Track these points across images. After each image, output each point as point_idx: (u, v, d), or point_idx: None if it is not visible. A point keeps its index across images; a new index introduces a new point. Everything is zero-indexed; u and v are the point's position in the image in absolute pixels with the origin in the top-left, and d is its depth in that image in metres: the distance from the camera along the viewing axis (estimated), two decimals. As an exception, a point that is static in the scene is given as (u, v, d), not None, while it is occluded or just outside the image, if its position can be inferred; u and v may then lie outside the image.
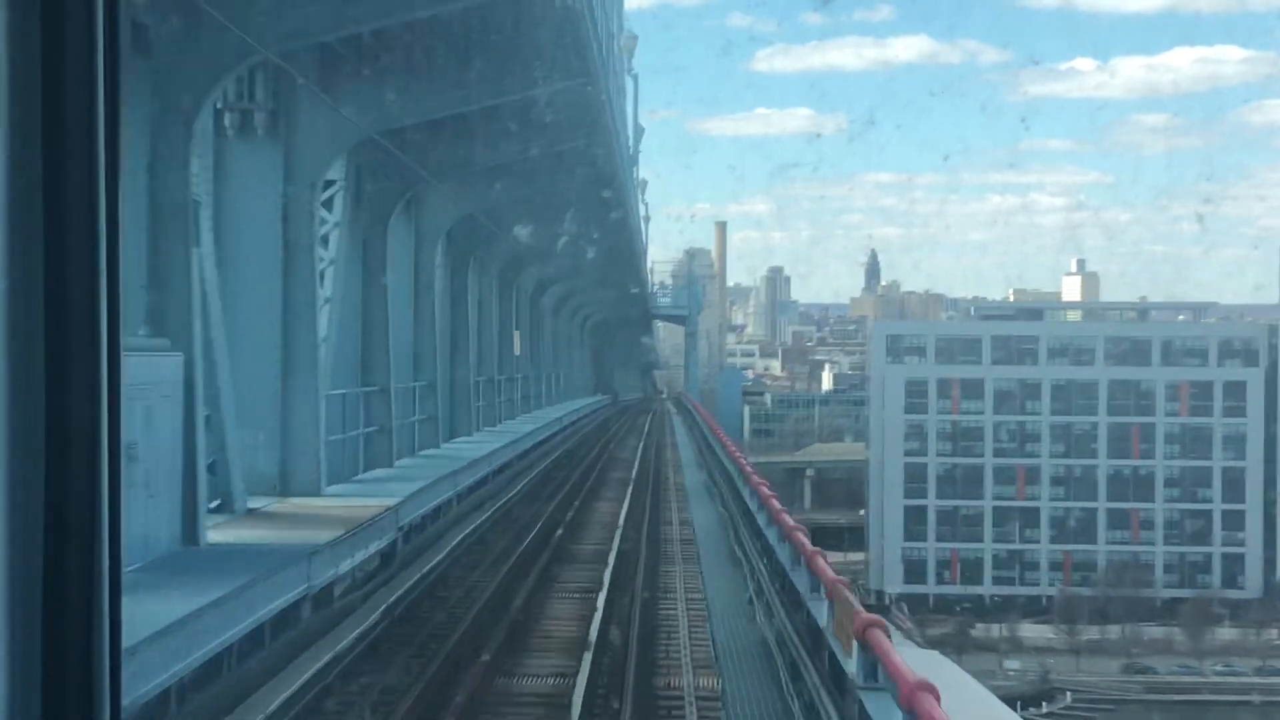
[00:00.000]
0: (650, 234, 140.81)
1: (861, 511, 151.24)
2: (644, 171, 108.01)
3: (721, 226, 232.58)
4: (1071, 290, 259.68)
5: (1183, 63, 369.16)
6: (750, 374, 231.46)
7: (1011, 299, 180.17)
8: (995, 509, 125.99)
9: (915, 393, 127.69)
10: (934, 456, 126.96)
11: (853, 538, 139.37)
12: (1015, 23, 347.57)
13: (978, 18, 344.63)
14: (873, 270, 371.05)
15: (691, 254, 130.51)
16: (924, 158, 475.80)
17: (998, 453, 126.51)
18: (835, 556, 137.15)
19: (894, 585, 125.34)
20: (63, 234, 1.90)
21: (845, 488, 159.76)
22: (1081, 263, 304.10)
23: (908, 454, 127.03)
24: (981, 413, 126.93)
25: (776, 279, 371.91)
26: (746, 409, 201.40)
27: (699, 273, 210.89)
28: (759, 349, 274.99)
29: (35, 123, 1.88)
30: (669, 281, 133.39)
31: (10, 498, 1.86)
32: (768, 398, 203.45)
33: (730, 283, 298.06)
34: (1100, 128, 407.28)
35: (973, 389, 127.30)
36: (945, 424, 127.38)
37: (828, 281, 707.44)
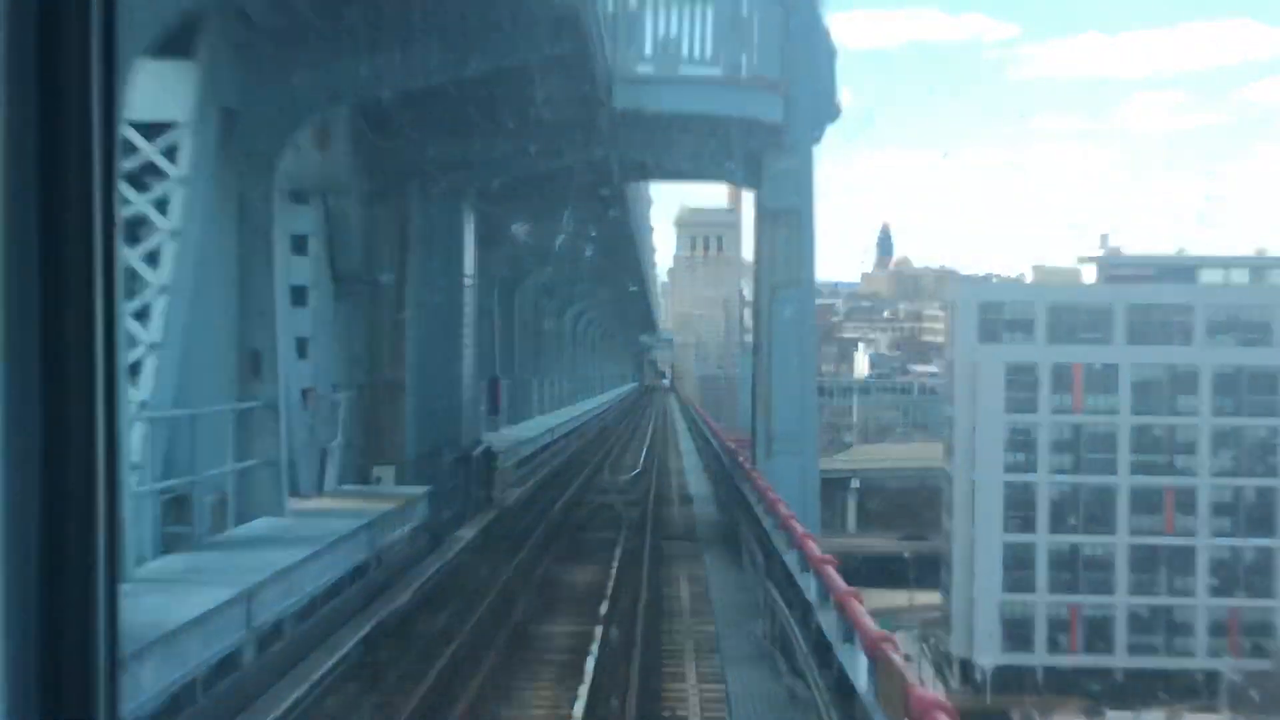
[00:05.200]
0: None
1: (904, 545, 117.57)
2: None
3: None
4: (1093, 269, 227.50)
5: (1192, 39, 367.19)
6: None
7: (1030, 279, 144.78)
8: (1133, 548, 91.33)
9: (1020, 384, 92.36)
10: (1046, 473, 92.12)
11: (923, 573, 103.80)
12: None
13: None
14: (885, 245, 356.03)
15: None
16: (926, 140, 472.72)
17: (1138, 469, 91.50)
18: (898, 598, 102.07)
19: (988, 654, 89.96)
20: (61, 234, 1.93)
21: (904, 503, 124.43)
22: (1104, 238, 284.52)
23: (1009, 469, 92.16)
24: (1114, 412, 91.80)
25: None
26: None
27: (720, 219, 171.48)
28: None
29: (33, 123, 1.91)
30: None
31: (8, 498, 1.90)
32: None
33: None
34: (1107, 104, 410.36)
35: (1102, 378, 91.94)
36: (1063, 428, 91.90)
37: (830, 261, 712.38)
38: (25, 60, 1.87)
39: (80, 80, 1.92)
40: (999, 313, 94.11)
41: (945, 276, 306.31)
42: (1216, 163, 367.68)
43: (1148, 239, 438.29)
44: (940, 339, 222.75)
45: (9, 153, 1.87)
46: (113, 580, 1.98)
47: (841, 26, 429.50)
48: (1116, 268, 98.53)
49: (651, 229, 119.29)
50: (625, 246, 55.68)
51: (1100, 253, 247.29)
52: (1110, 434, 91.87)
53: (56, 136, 1.90)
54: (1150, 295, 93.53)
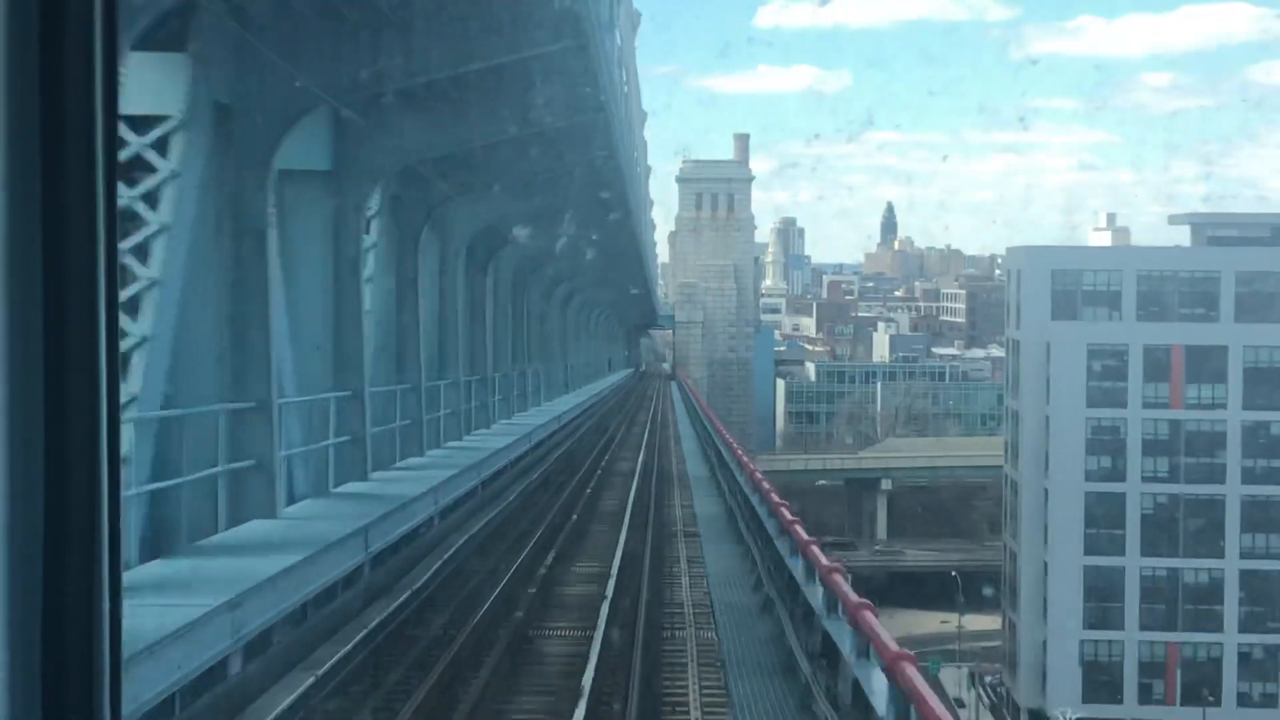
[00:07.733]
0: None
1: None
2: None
3: (743, 140, 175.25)
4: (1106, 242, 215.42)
5: (1190, 21, 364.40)
6: (779, 335, 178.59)
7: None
8: (1245, 574, 74.83)
9: (1105, 371, 76.04)
10: (1138, 482, 75.45)
11: (975, 593, 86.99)
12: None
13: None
14: (889, 225, 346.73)
15: None
16: (928, 120, 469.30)
17: (1250, 477, 74.89)
18: (936, 622, 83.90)
19: (1064, 701, 73.19)
20: (62, 234, 1.96)
21: (943, 508, 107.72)
22: (1111, 217, 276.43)
23: (1090, 477, 75.65)
24: (1222, 405, 75.00)
25: (789, 231, 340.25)
26: (780, 384, 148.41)
27: (730, 173, 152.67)
28: (785, 303, 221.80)
29: (35, 123, 1.94)
30: None
31: (10, 498, 1.92)
32: (809, 369, 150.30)
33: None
34: (1106, 87, 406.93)
35: (1206, 364, 75.51)
36: (1159, 425, 75.26)
37: (829, 243, 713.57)
38: (29, 55, 1.87)
39: (83, 77, 1.91)
40: (1076, 282, 77.03)
41: (951, 256, 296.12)
42: (1215, 144, 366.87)
43: (1146, 222, 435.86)
44: (959, 319, 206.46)
45: (12, 149, 1.87)
46: (116, 580, 1.98)
47: (841, 10, 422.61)
48: (1219, 228, 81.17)
49: (653, 225, 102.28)
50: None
51: (1108, 231, 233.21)
52: (1217, 433, 75.25)
53: (59, 134, 1.90)
54: (1265, 261, 76.48)
